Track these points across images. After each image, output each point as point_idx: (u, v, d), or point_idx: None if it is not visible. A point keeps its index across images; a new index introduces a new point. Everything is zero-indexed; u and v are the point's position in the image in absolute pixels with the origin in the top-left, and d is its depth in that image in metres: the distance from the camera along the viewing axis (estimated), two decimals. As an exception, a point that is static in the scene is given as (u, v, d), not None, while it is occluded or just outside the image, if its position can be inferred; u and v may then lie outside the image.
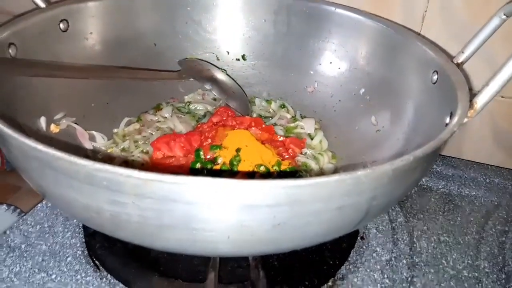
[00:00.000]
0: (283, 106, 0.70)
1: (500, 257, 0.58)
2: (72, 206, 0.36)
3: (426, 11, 0.67)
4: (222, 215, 0.31)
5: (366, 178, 0.32)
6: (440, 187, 0.70)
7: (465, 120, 0.42)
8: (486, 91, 0.43)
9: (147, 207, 0.31)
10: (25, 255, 0.51)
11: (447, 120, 0.45)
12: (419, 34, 0.68)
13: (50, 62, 0.56)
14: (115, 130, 0.62)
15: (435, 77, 0.53)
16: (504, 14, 0.48)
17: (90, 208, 0.33)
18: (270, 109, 0.70)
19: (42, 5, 0.57)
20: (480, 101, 0.43)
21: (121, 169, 0.29)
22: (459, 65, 0.52)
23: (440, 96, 0.51)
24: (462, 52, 0.53)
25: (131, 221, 0.33)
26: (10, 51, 0.50)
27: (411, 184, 0.40)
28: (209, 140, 0.57)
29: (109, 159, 0.57)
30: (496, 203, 0.67)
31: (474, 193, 0.69)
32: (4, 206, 0.85)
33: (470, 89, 0.68)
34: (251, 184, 0.30)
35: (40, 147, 0.31)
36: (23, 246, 0.52)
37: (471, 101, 0.44)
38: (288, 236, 0.34)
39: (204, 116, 0.67)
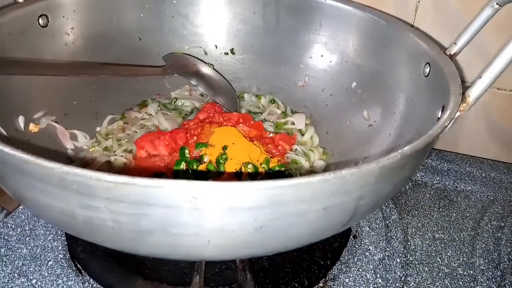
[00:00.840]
0: (273, 101, 0.69)
1: (496, 254, 0.56)
2: (47, 211, 0.34)
3: (419, 2, 0.66)
4: (201, 219, 0.30)
5: (352, 178, 0.30)
6: (435, 182, 0.68)
7: (457, 114, 0.40)
8: (479, 83, 0.41)
9: (121, 211, 0.30)
10: (4, 259, 0.49)
11: (439, 114, 0.43)
12: (412, 25, 0.66)
13: (28, 59, 0.53)
14: (98, 129, 0.60)
15: (427, 69, 0.51)
16: (497, 4, 0.47)
17: (64, 212, 0.32)
18: (260, 105, 0.68)
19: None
20: (473, 94, 0.42)
21: (90, 172, 0.27)
22: (452, 57, 0.51)
23: (432, 89, 0.49)
24: (455, 43, 0.51)
25: (106, 226, 0.31)
26: (-14, 48, 0.48)
27: (401, 181, 0.38)
28: (195, 138, 0.55)
29: (91, 160, 0.55)
30: (492, 197, 0.66)
31: (469, 188, 0.68)
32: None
33: (463, 81, 0.67)
34: (229, 186, 0.28)
35: (7, 150, 0.30)
36: (2, 250, 0.51)
37: (463, 94, 0.42)
38: (272, 239, 0.33)
39: (191, 112, 0.65)
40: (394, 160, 0.32)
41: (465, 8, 0.63)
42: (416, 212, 0.62)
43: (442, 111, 0.43)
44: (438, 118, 0.42)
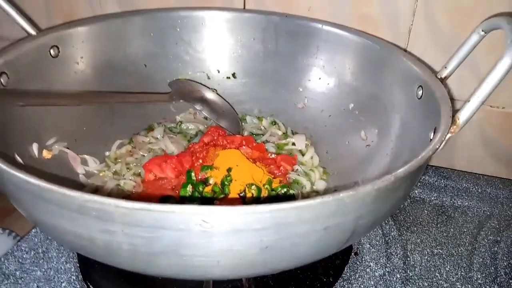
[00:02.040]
0: (274, 123, 0.71)
1: (493, 268, 0.58)
2: (64, 235, 0.36)
3: (412, 25, 0.69)
4: (210, 241, 0.32)
5: (350, 199, 0.33)
6: (432, 198, 0.70)
7: (448, 136, 0.43)
8: (467, 107, 0.44)
9: (136, 235, 0.32)
10: (19, 282, 0.51)
11: (431, 135, 0.46)
12: (405, 50, 0.69)
13: (42, 91, 0.56)
14: (107, 153, 0.62)
15: (420, 92, 0.54)
16: (483, 31, 0.50)
17: (82, 237, 0.34)
18: (261, 126, 0.71)
19: (33, 32, 0.58)
20: (462, 116, 0.44)
21: (109, 199, 0.30)
22: (442, 80, 0.53)
23: (425, 111, 0.51)
24: (445, 67, 0.54)
25: (122, 249, 0.33)
26: (2, 80, 0.51)
27: (397, 201, 0.40)
28: (200, 161, 0.58)
29: (101, 184, 0.57)
30: (488, 213, 0.68)
31: (466, 203, 0.70)
32: (-1, 230, 0.85)
33: (456, 99, 0.70)
34: (235, 209, 0.30)
35: (32, 179, 0.32)
36: (17, 272, 0.53)
37: (453, 116, 0.45)
38: (277, 258, 0.35)
39: (196, 135, 0.68)
40: (389, 182, 0.34)
41: (456, 31, 0.66)
42: (415, 228, 0.64)
43: (434, 132, 0.45)
44: (431, 140, 0.45)
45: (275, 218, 0.31)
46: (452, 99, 0.48)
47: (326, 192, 0.60)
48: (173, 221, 0.31)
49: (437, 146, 0.41)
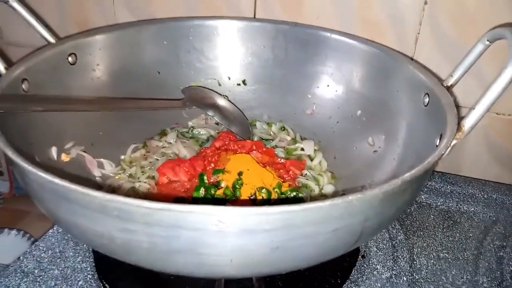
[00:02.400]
0: (283, 128, 0.73)
1: (498, 272, 0.59)
2: (85, 234, 0.38)
3: (418, 34, 0.70)
4: (225, 240, 0.34)
5: (358, 202, 0.34)
6: (439, 204, 0.71)
7: (454, 142, 0.44)
8: (473, 114, 0.45)
9: (155, 234, 0.34)
10: (38, 280, 0.53)
11: (437, 141, 0.47)
12: (412, 58, 0.71)
13: (61, 96, 0.59)
14: (122, 157, 0.64)
15: (426, 99, 0.55)
16: (488, 40, 0.51)
17: (102, 235, 0.36)
18: (271, 132, 0.73)
19: (52, 40, 0.60)
20: (467, 123, 0.45)
21: (130, 199, 0.32)
22: (448, 88, 0.55)
23: (431, 118, 0.53)
24: (451, 75, 0.55)
25: (141, 247, 0.35)
26: (23, 86, 0.53)
27: (403, 205, 0.42)
28: (212, 165, 0.59)
29: (117, 186, 0.59)
30: (494, 218, 0.69)
31: (472, 209, 0.71)
32: (14, 231, 0.87)
33: (461, 106, 0.71)
34: (249, 210, 0.32)
35: (57, 180, 0.34)
36: (36, 271, 0.55)
37: (459, 123, 0.46)
38: (287, 258, 0.36)
39: (207, 140, 0.69)
40: (396, 186, 0.36)
41: (461, 39, 0.67)
42: (421, 233, 0.65)
43: (440, 138, 0.47)
44: (437, 146, 0.47)
45: (285, 220, 0.33)
46: (457, 106, 0.50)
47: (334, 195, 0.61)
48: (191, 221, 0.32)
49: (443, 152, 0.42)
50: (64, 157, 0.57)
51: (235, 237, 0.34)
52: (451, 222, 0.68)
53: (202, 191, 0.55)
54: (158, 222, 0.32)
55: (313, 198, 0.59)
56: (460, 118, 0.47)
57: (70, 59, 0.61)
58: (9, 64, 0.54)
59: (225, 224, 0.32)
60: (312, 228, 0.34)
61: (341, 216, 0.35)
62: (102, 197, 0.32)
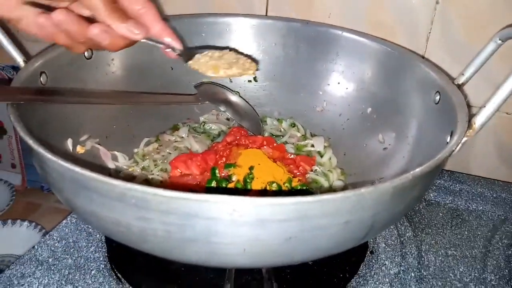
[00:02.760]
0: (293, 125, 0.74)
1: (507, 270, 0.59)
2: (103, 222, 0.39)
3: (430, 33, 0.71)
4: (239, 229, 0.35)
5: (369, 195, 0.35)
6: (447, 202, 0.72)
7: (464, 139, 0.45)
8: (483, 112, 0.46)
9: (171, 222, 0.35)
10: (52, 268, 0.55)
11: (448, 139, 0.48)
12: (423, 56, 0.71)
13: (77, 89, 0.60)
14: (136, 150, 0.66)
15: (437, 97, 0.56)
16: (499, 39, 0.52)
17: (119, 223, 0.37)
18: (281, 128, 0.74)
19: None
20: (478, 121, 0.46)
21: (148, 188, 0.33)
22: (459, 86, 0.55)
23: (442, 116, 0.53)
24: (463, 74, 0.56)
25: (157, 235, 0.36)
26: (42, 79, 0.54)
27: (412, 200, 0.43)
28: (224, 159, 0.60)
29: (131, 178, 0.60)
30: (502, 217, 0.69)
31: (481, 207, 0.71)
32: (26, 223, 0.89)
33: (471, 105, 0.71)
34: (263, 200, 0.33)
35: (77, 169, 0.35)
36: (50, 260, 0.56)
37: (469, 121, 0.47)
38: (299, 249, 0.37)
39: (219, 135, 0.70)
40: (406, 180, 0.37)
41: (473, 39, 0.68)
42: (430, 230, 0.66)
43: (450, 136, 0.47)
44: (447, 143, 0.47)
45: (299, 211, 0.34)
46: (468, 106, 0.50)
47: (344, 189, 0.62)
48: (206, 210, 0.33)
49: (454, 149, 0.43)
50: (80, 149, 0.59)
51: (249, 227, 0.35)
52: (460, 220, 0.69)
53: (214, 184, 0.56)
54: (174, 210, 0.33)
55: (323, 192, 0.60)
56: (470, 116, 0.47)
57: (86, 53, 0.62)
58: (27, 57, 0.56)
59: (239, 214, 0.33)
60: (325, 219, 0.35)
61: (353, 209, 0.35)
62: (121, 186, 0.33)
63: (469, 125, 0.46)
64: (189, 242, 0.36)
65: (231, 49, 0.57)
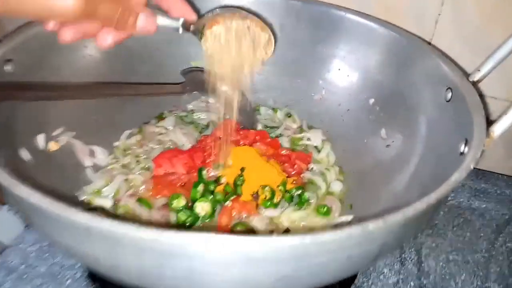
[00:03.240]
0: (289, 115, 0.68)
1: (511, 279, 0.56)
2: (72, 252, 0.35)
3: (439, 15, 0.64)
4: (224, 269, 0.30)
5: (377, 230, 0.30)
6: (449, 198, 0.68)
7: (481, 150, 0.40)
8: (504, 120, 0.41)
9: (146, 259, 0.30)
10: (24, 277, 0.50)
11: (462, 147, 0.43)
12: (430, 42, 0.65)
13: (49, 83, 0.53)
14: (116, 144, 0.60)
15: (449, 94, 0.50)
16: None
17: (88, 256, 0.32)
18: (276, 119, 0.68)
19: None
20: (497, 130, 0.42)
21: (117, 224, 0.28)
22: (474, 84, 0.50)
23: (454, 116, 0.48)
24: (478, 70, 0.50)
25: (131, 272, 0.31)
26: (9, 67, 0.48)
27: (423, 223, 0.38)
28: (212, 157, 0.55)
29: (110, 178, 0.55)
30: (507, 216, 0.66)
31: (484, 205, 0.67)
32: (6, 207, 0.84)
33: (483, 95, 0.66)
34: (252, 240, 0.28)
35: (46, 205, 0.30)
36: (22, 267, 0.51)
37: (487, 129, 0.42)
38: (293, 285, 0.33)
39: (208, 126, 0.65)
40: (420, 210, 0.32)
41: (485, 24, 0.61)
42: (431, 231, 0.62)
43: (465, 144, 0.43)
44: (461, 153, 0.42)
45: (295, 251, 0.29)
46: (480, 95, 0.45)
47: (343, 193, 0.58)
48: (185, 249, 0.29)
49: (471, 166, 0.38)
50: (53, 146, 0.53)
51: (235, 267, 0.30)
52: (462, 219, 0.65)
53: (201, 188, 0.51)
54: (149, 249, 0.29)
55: (319, 198, 0.55)
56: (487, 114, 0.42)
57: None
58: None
59: (224, 253, 0.29)
60: (324, 257, 0.31)
61: (357, 244, 0.31)
62: (87, 222, 0.28)
63: (487, 134, 0.41)
64: (168, 280, 0.31)
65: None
